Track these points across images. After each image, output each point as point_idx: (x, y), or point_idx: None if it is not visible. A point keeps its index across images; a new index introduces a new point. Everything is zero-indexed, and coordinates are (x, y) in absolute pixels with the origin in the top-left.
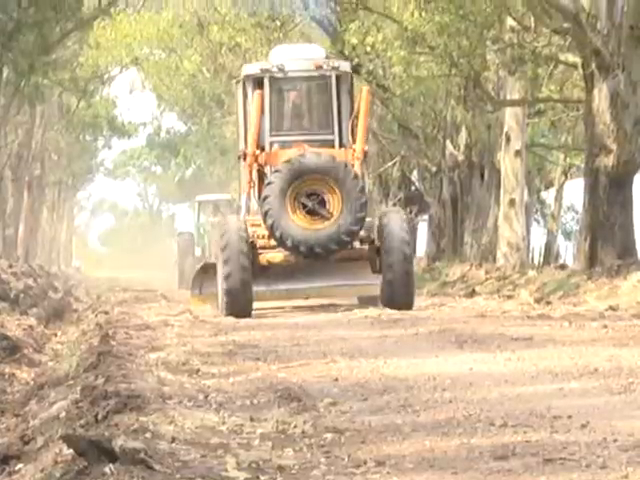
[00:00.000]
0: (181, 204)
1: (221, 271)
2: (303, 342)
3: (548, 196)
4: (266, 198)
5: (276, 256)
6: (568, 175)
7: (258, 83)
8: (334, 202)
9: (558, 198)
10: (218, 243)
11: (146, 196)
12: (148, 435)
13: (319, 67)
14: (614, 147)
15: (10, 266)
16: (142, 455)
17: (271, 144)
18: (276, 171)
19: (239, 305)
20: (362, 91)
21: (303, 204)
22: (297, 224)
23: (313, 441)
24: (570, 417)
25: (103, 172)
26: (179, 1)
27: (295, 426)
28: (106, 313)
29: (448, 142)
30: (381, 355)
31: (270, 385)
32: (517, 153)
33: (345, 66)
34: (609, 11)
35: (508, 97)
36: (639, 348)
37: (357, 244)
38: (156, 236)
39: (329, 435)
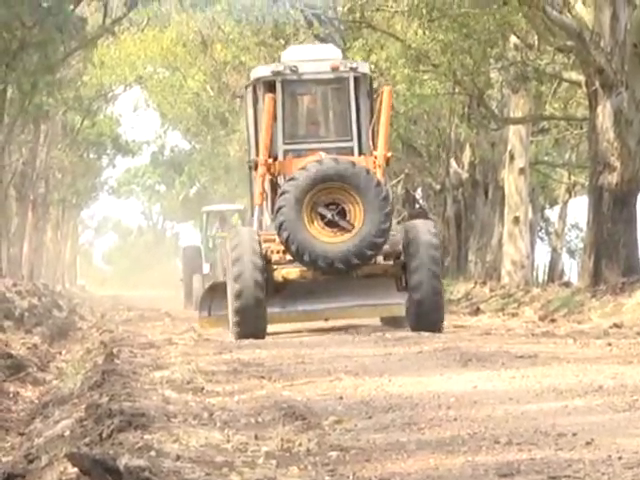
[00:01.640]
0: (185, 223)
1: (232, 288)
2: (308, 360)
3: (552, 214)
4: (281, 209)
5: (292, 272)
6: (572, 193)
7: (269, 87)
8: (355, 212)
9: (562, 216)
10: (228, 257)
11: (150, 215)
12: (153, 453)
13: (336, 68)
14: (618, 165)
15: (15, 285)
16: (147, 473)
17: (284, 153)
18: (291, 179)
19: (252, 326)
20: (383, 92)
21: (321, 215)
22: (315, 237)
23: (318, 459)
24: (575, 435)
25: (107, 191)
26: (183, 20)
27: (300, 444)
28: (110, 332)
29: (452, 160)
30: (385, 373)
31: (275, 403)
32: (521, 171)
33: (364, 67)
34: (612, 29)
35: (512, 115)
36: None
37: (380, 259)
38: (160, 255)
39: (334, 453)
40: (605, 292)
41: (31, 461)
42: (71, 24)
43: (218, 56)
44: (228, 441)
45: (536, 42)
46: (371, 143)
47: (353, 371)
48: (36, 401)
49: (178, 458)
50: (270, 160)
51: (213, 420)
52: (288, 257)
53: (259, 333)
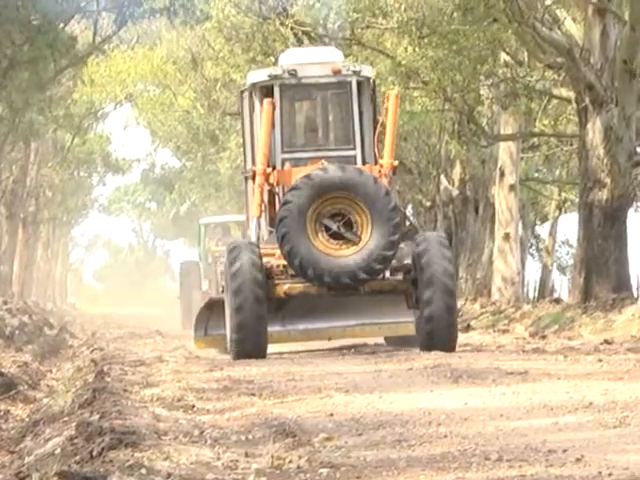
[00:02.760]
0: (176, 240)
1: (230, 303)
2: (298, 377)
3: (543, 230)
4: (283, 220)
5: (295, 287)
6: (562, 209)
7: (267, 92)
8: (362, 224)
9: (552, 232)
10: (226, 270)
11: (141, 232)
12: (143, 471)
13: (337, 72)
14: (608, 181)
15: (5, 303)
16: None
17: (283, 162)
18: (293, 188)
19: (251, 344)
20: (389, 96)
21: (326, 226)
22: (319, 250)
23: (308, 476)
24: (565, 451)
25: (98, 208)
26: (173, 37)
27: (290, 461)
28: (101, 349)
29: (442, 177)
30: (376, 390)
31: (265, 420)
32: (511, 187)
33: (367, 70)
34: (602, 46)
35: (502, 132)
36: (634, 382)
37: (388, 274)
38: (151, 272)
39: (324, 470)
40: (596, 308)
41: (22, 479)
42: (61, 42)
43: (208, 74)
44: (218, 458)
45: (526, 59)
46: (376, 151)
47: (344, 388)
48: (27, 419)
49: (169, 476)
50: (269, 169)
51: (204, 438)
52: (290, 272)
53: (259, 352)
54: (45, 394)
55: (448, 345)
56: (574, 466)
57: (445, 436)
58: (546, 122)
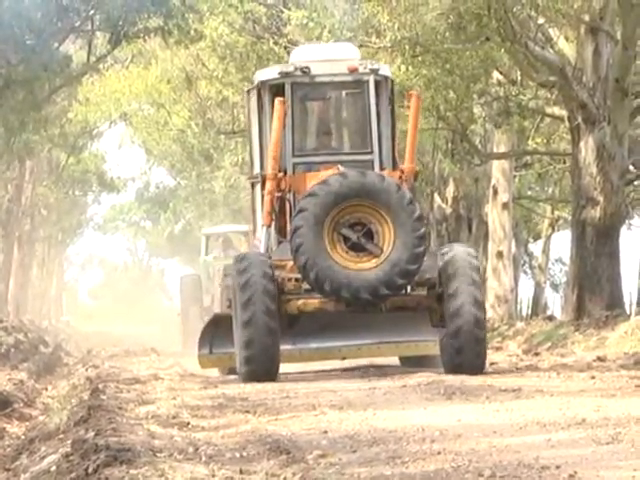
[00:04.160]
0: (171, 259)
1: (239, 317)
2: (292, 394)
3: (536, 248)
4: (297, 230)
5: (310, 303)
6: (555, 227)
7: (277, 91)
8: (384, 234)
9: (545, 250)
10: (235, 281)
11: (136, 251)
12: None
13: (354, 70)
14: (601, 199)
15: (0, 321)
16: None
17: (294, 166)
18: (309, 195)
19: (262, 362)
20: (412, 97)
21: (345, 237)
22: (337, 262)
23: None
24: (558, 467)
25: (93, 227)
26: (167, 57)
27: (284, 478)
28: (96, 367)
29: (436, 195)
30: (370, 407)
31: (259, 438)
32: (504, 205)
33: (385, 69)
34: (595, 65)
35: (495, 150)
36: (627, 399)
37: (410, 289)
38: (146, 291)
39: None
40: (588, 326)
41: None
42: (56, 62)
43: (202, 93)
44: (213, 475)
45: (519, 77)
46: (396, 156)
47: (338, 405)
48: (22, 436)
49: None
50: (280, 174)
51: (198, 455)
52: (304, 286)
53: (270, 373)
54: (41, 412)
55: (476, 363)
56: None
57: (439, 453)
58: (539, 140)
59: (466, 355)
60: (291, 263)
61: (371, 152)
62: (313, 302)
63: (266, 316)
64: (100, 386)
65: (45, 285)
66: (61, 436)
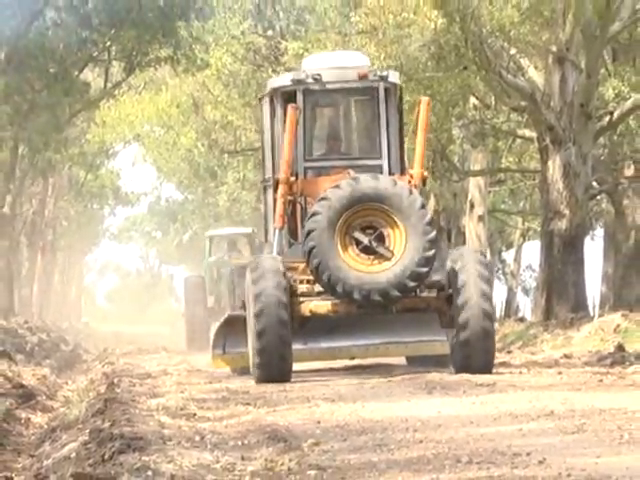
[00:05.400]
0: (179, 265)
1: (253, 326)
2: (289, 388)
3: (508, 256)
4: (310, 233)
5: (322, 305)
6: (526, 237)
7: (289, 97)
8: (396, 238)
9: (517, 258)
10: (249, 290)
11: (147, 258)
12: (150, 473)
13: (364, 77)
14: (567, 212)
15: (26, 322)
16: None
17: (305, 170)
18: (322, 199)
19: (275, 368)
20: (421, 102)
21: (357, 240)
22: (349, 265)
23: (298, 478)
24: (529, 454)
25: (109, 237)
26: (176, 84)
27: (282, 464)
28: (112, 364)
29: None
30: (359, 400)
31: (259, 427)
32: (480, 218)
33: (394, 76)
34: (561, 91)
35: (472, 168)
36: (591, 392)
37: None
38: (156, 294)
39: (313, 472)
40: (556, 326)
41: None
42: (76, 88)
43: (208, 116)
44: (217, 461)
45: (493, 102)
46: (405, 161)
47: (330, 398)
48: (45, 426)
49: (173, 477)
50: (292, 178)
51: (204, 443)
52: (316, 288)
53: (283, 376)
54: (61, 404)
55: (484, 369)
56: (537, 468)
57: (421, 441)
58: (511, 159)
59: (477, 361)
60: (303, 265)
61: (380, 157)
62: (325, 304)
63: (279, 326)
64: (115, 381)
65: (66, 289)
66: (80, 426)
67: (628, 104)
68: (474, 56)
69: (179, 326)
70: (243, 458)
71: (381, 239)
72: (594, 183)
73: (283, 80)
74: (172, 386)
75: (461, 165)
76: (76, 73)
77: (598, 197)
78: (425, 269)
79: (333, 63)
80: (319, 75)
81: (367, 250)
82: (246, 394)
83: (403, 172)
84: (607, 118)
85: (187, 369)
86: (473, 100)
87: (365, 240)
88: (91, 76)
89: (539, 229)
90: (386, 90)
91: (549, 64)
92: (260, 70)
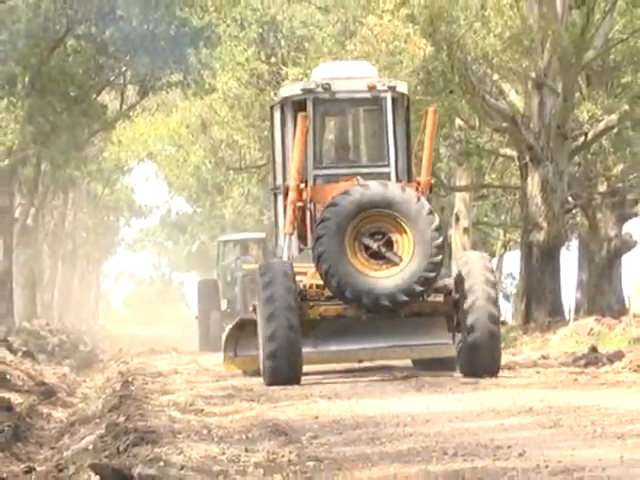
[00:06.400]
0: (188, 273)
1: (263, 330)
2: (289, 386)
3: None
4: (320, 238)
5: (331, 309)
6: (507, 248)
7: (299, 107)
8: (404, 243)
9: (499, 267)
10: (259, 294)
11: (159, 266)
12: (161, 464)
13: (372, 87)
14: (545, 225)
15: (47, 325)
16: None
17: (314, 178)
18: (332, 205)
19: (285, 371)
20: (428, 112)
21: (365, 245)
22: (358, 270)
23: (298, 468)
24: (509, 447)
25: (124, 247)
26: (186, 106)
27: (283, 456)
28: (126, 363)
29: None
30: (353, 397)
31: (262, 422)
32: (465, 230)
33: (402, 87)
34: (540, 113)
35: (457, 184)
36: (566, 390)
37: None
38: (168, 299)
39: (311, 463)
40: (534, 330)
41: (61, 470)
42: (94, 110)
43: (215, 135)
44: (223, 453)
45: (477, 124)
46: (412, 168)
47: (327, 395)
48: (65, 421)
49: (182, 468)
50: (302, 185)
51: (211, 436)
52: (326, 292)
53: (293, 379)
54: (80, 400)
55: (490, 371)
56: (517, 460)
57: (410, 435)
58: (494, 176)
59: (483, 364)
60: (312, 269)
61: (388, 165)
62: (334, 308)
63: (289, 330)
64: (129, 379)
65: (84, 295)
66: (97, 420)
67: (601, 125)
68: (460, 81)
69: (189, 329)
70: (247, 450)
71: (389, 245)
72: (570, 198)
73: (294, 89)
74: (182, 384)
75: (448, 181)
76: (94, 96)
77: (573, 211)
78: (433, 274)
79: (342, 73)
80: (329, 85)
81: (376, 255)
82: (250, 391)
83: (410, 179)
84: (582, 138)
85: (196, 368)
86: (459, 121)
87: (374, 245)
88: (108, 99)
89: (519, 240)
90: (394, 100)
91: (528, 89)
92: (263, 93)
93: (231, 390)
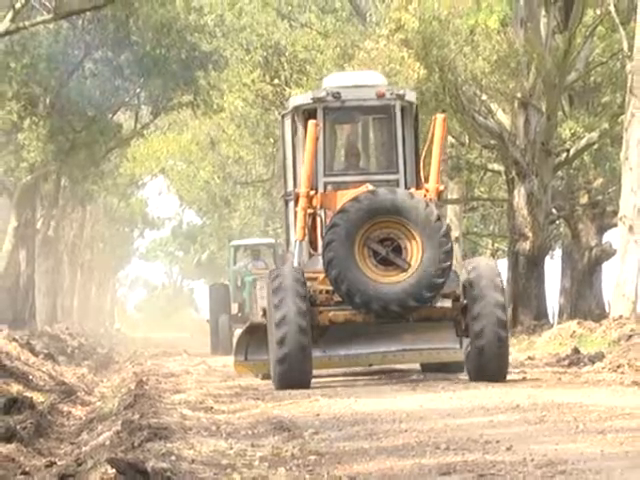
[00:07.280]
0: (198, 280)
1: (273, 335)
2: None
3: None
4: (329, 244)
5: (340, 314)
6: (495, 256)
7: (310, 115)
8: (412, 249)
9: None
10: (269, 299)
11: (171, 274)
12: (173, 458)
13: (382, 95)
14: (530, 235)
15: (67, 328)
16: (169, 474)
17: (325, 185)
18: (342, 211)
19: (295, 375)
20: (436, 119)
21: (374, 251)
22: (367, 276)
23: (300, 462)
24: (498, 442)
25: (138, 256)
26: (196, 125)
27: (286, 450)
28: (140, 364)
29: None
30: (352, 395)
31: (267, 419)
32: (456, 240)
33: (411, 95)
34: (525, 131)
35: (449, 197)
36: (551, 389)
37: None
38: (178, 305)
39: (312, 457)
40: (521, 332)
41: (80, 464)
42: (110, 129)
43: (223, 152)
44: (231, 448)
45: (467, 141)
46: (421, 176)
47: (327, 394)
48: (83, 418)
49: (193, 461)
50: (312, 192)
51: (220, 432)
52: (335, 298)
53: (303, 383)
54: (98, 399)
55: (498, 376)
56: (505, 453)
57: (405, 431)
58: (483, 189)
59: (491, 369)
60: (322, 275)
61: (397, 172)
62: (343, 314)
63: (299, 335)
64: (144, 379)
65: (101, 301)
66: (113, 418)
67: (582, 142)
68: (451, 101)
69: (199, 333)
70: (253, 445)
71: (398, 251)
72: (553, 210)
73: (304, 98)
74: (192, 384)
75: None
76: (110, 116)
77: (557, 222)
78: (441, 280)
79: (352, 82)
80: (339, 93)
81: (385, 261)
82: (256, 390)
83: (419, 186)
84: (564, 154)
85: (205, 369)
86: (450, 139)
87: (383, 251)
88: (123, 118)
89: (507, 249)
90: (403, 108)
91: (515, 108)
92: (267, 113)
93: (238, 389)
